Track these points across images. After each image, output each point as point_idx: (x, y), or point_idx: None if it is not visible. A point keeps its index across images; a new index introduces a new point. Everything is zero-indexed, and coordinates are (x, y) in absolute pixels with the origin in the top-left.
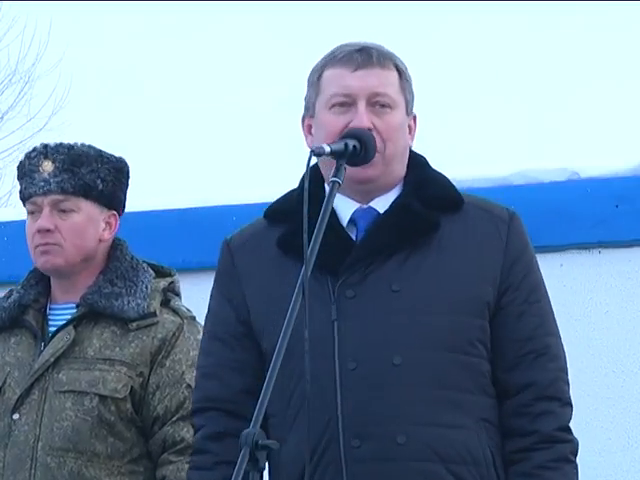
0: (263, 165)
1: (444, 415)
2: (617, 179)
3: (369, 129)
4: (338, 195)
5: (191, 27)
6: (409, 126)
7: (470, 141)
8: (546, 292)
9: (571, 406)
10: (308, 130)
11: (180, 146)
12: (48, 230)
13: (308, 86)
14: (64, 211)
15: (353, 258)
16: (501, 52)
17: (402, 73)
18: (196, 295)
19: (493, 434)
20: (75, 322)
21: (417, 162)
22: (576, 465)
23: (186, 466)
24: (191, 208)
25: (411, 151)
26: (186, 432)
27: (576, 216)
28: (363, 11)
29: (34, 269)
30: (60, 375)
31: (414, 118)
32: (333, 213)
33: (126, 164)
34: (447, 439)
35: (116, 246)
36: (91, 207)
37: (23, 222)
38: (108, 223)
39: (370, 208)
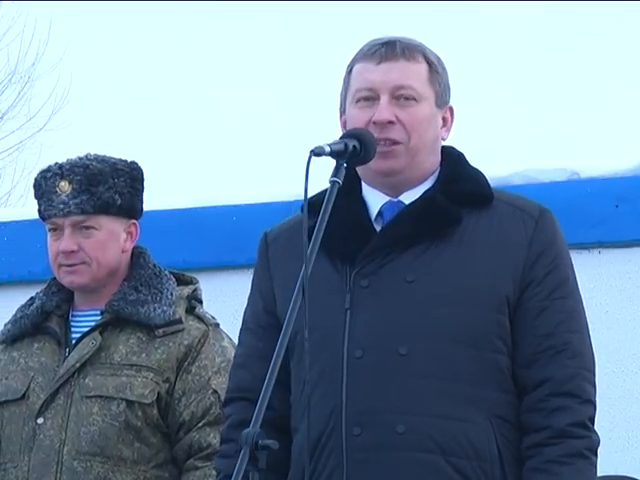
0: (263, 165)
1: (449, 407)
2: (617, 179)
3: (390, 122)
4: (370, 189)
5: (193, 26)
6: (443, 118)
7: (470, 141)
8: (575, 290)
9: (592, 404)
10: (344, 126)
11: (180, 146)
12: (72, 251)
13: (342, 82)
14: (86, 229)
15: (370, 248)
16: (501, 52)
17: (432, 65)
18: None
19: (506, 431)
20: (100, 328)
21: (453, 157)
22: (592, 461)
23: (213, 472)
24: (191, 208)
25: (448, 147)
26: (212, 438)
27: (576, 216)
28: (364, 11)
29: (55, 277)
30: (86, 380)
31: (450, 110)
32: (363, 206)
33: (140, 169)
34: (449, 431)
35: (139, 254)
36: (112, 222)
37: (23, 222)
38: (129, 233)
39: (399, 201)
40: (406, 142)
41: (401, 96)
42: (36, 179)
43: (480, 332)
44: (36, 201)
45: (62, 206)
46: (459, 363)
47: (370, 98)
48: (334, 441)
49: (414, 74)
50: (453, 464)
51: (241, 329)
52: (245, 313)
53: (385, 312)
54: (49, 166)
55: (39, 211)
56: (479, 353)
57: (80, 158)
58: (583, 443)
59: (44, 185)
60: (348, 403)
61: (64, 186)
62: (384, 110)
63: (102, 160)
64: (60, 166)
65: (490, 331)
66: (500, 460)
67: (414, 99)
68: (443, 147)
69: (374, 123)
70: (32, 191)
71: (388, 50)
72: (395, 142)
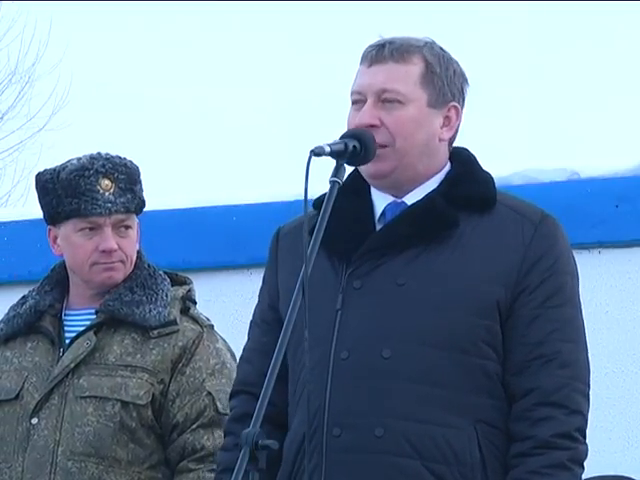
0: (263, 165)
1: (431, 412)
2: (617, 179)
3: (372, 125)
4: (376, 190)
5: (192, 26)
6: (446, 118)
7: (470, 141)
8: (574, 298)
9: (582, 415)
10: None
11: (180, 146)
12: (114, 250)
13: None
14: (125, 228)
15: (365, 249)
16: (501, 51)
17: (429, 65)
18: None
19: (493, 437)
20: (95, 328)
21: (462, 159)
22: (576, 473)
23: (206, 474)
24: (191, 208)
25: (459, 148)
26: (206, 440)
27: (576, 216)
28: (365, 11)
29: (48, 275)
30: (80, 381)
31: (455, 109)
32: (370, 206)
33: None
34: (429, 436)
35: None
36: (136, 220)
37: (23, 222)
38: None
39: (402, 202)
40: (392, 144)
41: (386, 99)
42: (67, 178)
43: (466, 337)
44: (69, 200)
45: (110, 205)
46: (443, 368)
47: (359, 101)
48: (316, 441)
49: (401, 76)
50: (431, 469)
51: (250, 323)
52: (255, 308)
53: (373, 314)
54: (83, 164)
55: (74, 210)
56: (464, 358)
57: (94, 157)
58: (567, 454)
59: (83, 184)
60: (331, 404)
61: (108, 185)
62: (365, 114)
63: (125, 159)
64: (103, 164)
65: (477, 336)
66: (483, 466)
67: (398, 102)
68: (454, 148)
69: (357, 126)
70: (36, 192)
71: (378, 53)
72: (380, 145)
